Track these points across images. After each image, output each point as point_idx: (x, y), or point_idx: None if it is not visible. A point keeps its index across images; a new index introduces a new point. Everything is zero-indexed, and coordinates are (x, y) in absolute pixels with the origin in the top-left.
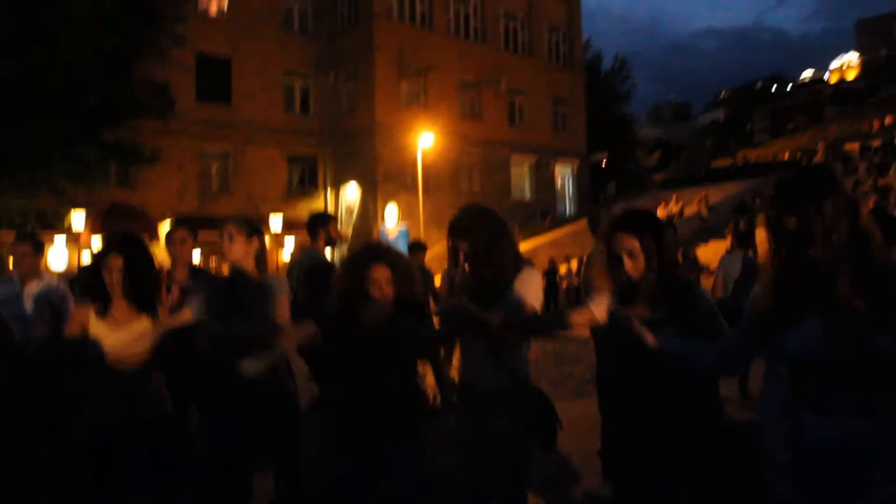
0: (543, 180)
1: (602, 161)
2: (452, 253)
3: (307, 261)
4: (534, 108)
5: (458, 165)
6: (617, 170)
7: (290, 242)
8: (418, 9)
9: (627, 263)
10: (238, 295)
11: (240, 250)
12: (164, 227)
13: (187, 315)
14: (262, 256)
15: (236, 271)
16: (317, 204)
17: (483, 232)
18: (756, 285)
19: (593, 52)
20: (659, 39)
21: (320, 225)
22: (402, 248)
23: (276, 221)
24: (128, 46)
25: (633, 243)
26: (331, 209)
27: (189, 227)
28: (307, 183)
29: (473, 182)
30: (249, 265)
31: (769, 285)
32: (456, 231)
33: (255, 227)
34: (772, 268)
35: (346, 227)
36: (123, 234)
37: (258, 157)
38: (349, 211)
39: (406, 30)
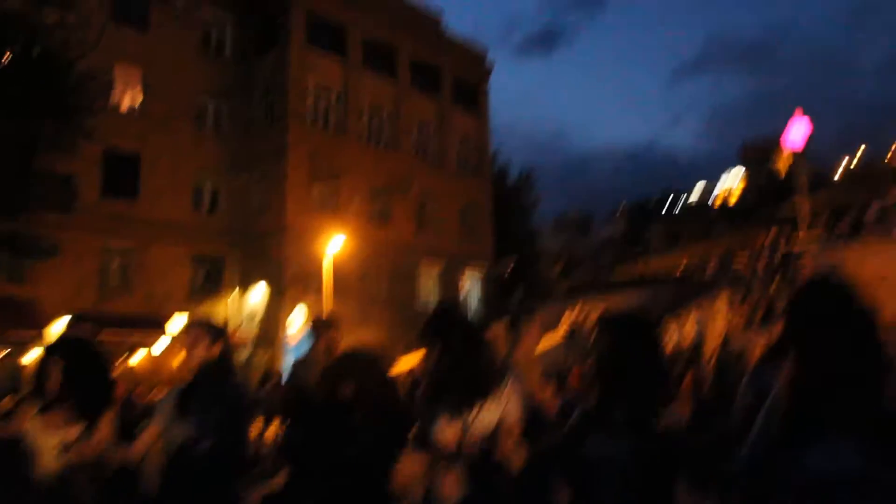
0: (450, 286)
1: (508, 269)
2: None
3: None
4: (443, 215)
5: (368, 270)
6: (523, 277)
7: None
8: (333, 115)
9: None
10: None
11: (201, 354)
12: (59, 323)
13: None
14: (225, 361)
15: (200, 373)
16: (222, 305)
17: (456, 333)
18: None
19: (501, 164)
20: (562, 155)
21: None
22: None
23: (177, 322)
24: (31, 137)
25: None
26: (236, 311)
27: (93, 324)
28: (213, 283)
29: (382, 287)
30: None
31: None
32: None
33: (219, 331)
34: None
35: (250, 330)
36: (69, 337)
37: (162, 256)
38: (255, 314)
39: (320, 134)
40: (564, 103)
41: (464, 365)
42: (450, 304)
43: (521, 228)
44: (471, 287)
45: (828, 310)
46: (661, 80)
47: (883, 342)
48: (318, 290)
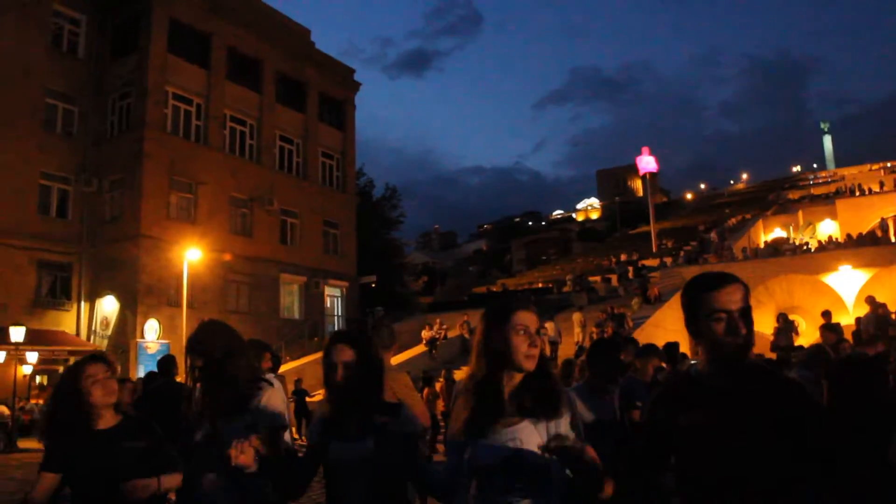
0: (313, 300)
1: (371, 283)
2: (191, 371)
3: None
4: (306, 228)
5: (227, 282)
6: (385, 292)
7: (32, 357)
8: (193, 123)
9: None
10: None
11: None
12: None
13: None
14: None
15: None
16: (69, 315)
17: (218, 347)
18: None
19: (366, 179)
20: (429, 172)
21: None
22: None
23: (17, 333)
24: None
25: None
26: (84, 321)
27: None
28: (59, 292)
29: (241, 299)
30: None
31: None
32: (191, 347)
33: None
34: None
35: (101, 340)
36: None
37: (2, 262)
38: (105, 324)
39: (179, 142)
40: (435, 123)
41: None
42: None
43: (386, 243)
44: (333, 301)
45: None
46: (527, 107)
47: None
48: (175, 300)
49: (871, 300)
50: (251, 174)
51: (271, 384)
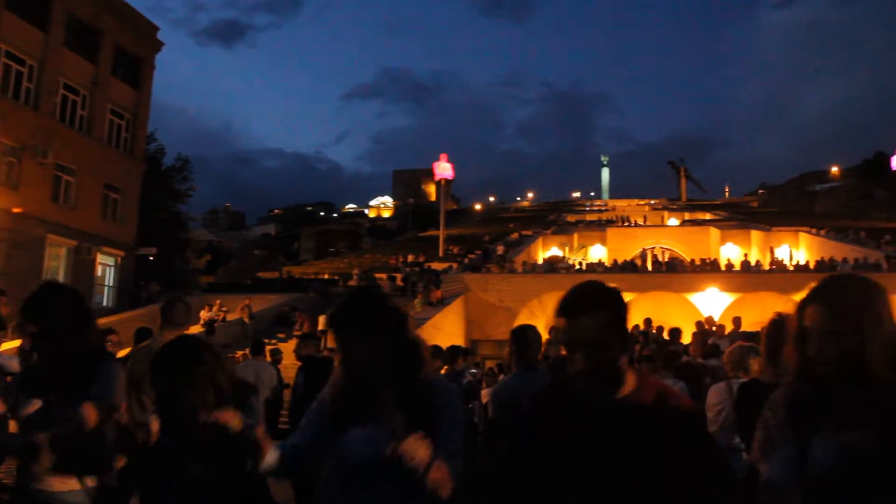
0: (82, 266)
1: (150, 255)
2: (25, 337)
3: None
4: (83, 189)
5: None
6: (165, 266)
7: None
8: None
9: None
10: None
11: None
12: None
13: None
14: None
15: None
16: None
17: (60, 314)
18: None
19: (158, 145)
20: (226, 148)
21: None
22: None
23: None
24: None
25: None
26: None
27: None
28: None
29: None
30: None
31: None
32: (28, 311)
33: None
34: None
35: None
36: None
37: None
38: None
39: None
40: (240, 99)
41: None
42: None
43: (171, 216)
44: (106, 270)
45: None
46: (336, 97)
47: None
48: None
49: (647, 321)
50: (25, 120)
51: (114, 358)
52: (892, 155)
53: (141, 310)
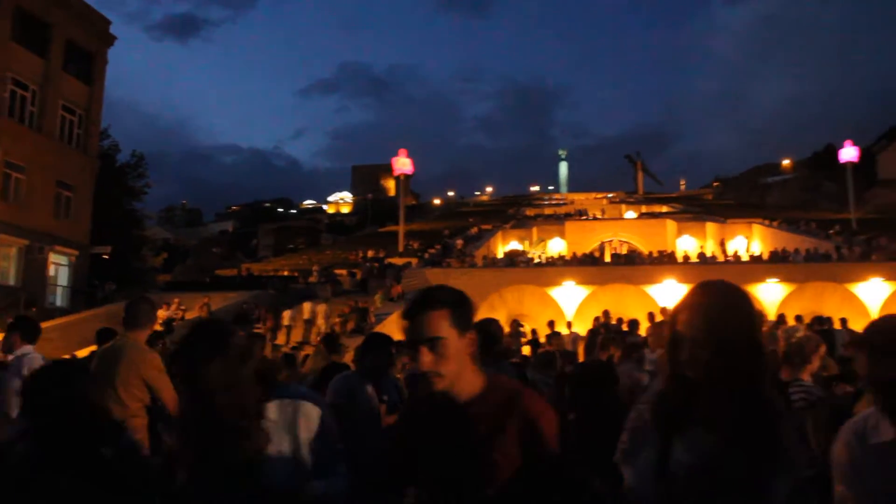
0: (34, 266)
1: (104, 254)
2: None
3: None
4: (34, 186)
5: None
6: (120, 265)
7: None
8: None
9: None
10: None
11: None
12: None
13: None
14: None
15: None
16: None
17: None
18: None
19: (111, 142)
20: (182, 145)
21: None
22: None
23: None
24: None
25: None
26: None
27: None
28: None
29: None
30: None
31: None
32: None
33: None
34: None
35: None
36: None
37: None
38: None
39: None
40: (195, 95)
41: None
42: None
43: (126, 213)
44: (59, 270)
45: None
46: (293, 92)
47: None
48: None
49: (606, 313)
50: None
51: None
52: (840, 148)
53: (97, 309)
